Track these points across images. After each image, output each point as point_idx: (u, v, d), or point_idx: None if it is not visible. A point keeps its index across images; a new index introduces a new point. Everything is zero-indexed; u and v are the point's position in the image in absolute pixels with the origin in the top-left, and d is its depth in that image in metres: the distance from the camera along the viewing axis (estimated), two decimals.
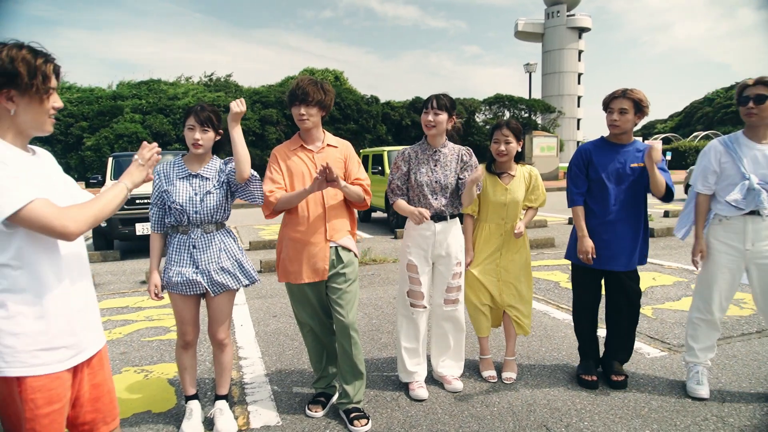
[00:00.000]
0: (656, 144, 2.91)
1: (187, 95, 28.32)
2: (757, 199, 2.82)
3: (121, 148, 23.02)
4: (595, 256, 3.15)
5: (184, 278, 2.62)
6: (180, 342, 2.78)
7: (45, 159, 1.68)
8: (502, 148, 3.21)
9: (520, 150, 3.27)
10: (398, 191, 3.15)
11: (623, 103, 3.02)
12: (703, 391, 3.04)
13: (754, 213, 2.87)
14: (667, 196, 3.03)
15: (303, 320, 2.96)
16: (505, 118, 3.80)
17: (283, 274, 2.89)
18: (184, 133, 2.67)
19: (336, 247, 2.83)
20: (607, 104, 3.09)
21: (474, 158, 3.20)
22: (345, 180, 2.87)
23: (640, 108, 3.03)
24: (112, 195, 1.65)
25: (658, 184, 2.98)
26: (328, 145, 2.89)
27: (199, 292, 2.68)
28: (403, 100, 30.57)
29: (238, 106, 2.59)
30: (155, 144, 1.79)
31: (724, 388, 3.15)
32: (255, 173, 2.72)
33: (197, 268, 2.64)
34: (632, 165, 3.09)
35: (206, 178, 2.69)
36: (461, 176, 3.14)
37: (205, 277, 2.65)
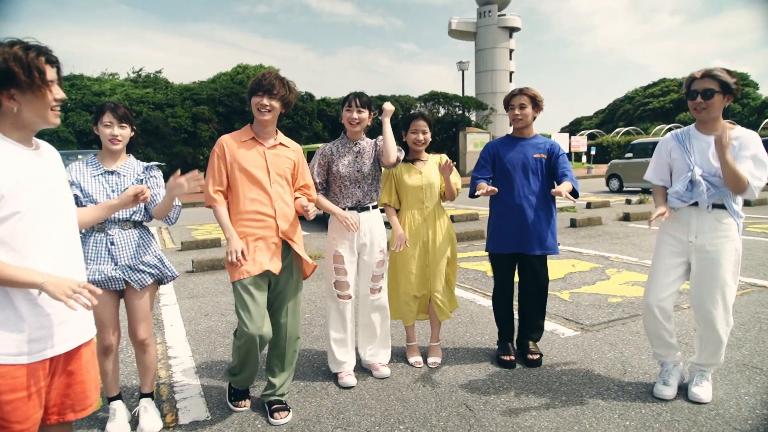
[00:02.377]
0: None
1: (115, 92, 27.05)
2: (697, 191, 2.75)
3: None
4: (489, 190, 3.17)
5: (104, 275, 2.58)
6: (99, 347, 2.67)
7: (47, 155, 1.71)
8: (420, 137, 3.40)
9: (429, 140, 3.47)
10: (319, 187, 3.24)
11: (522, 99, 3.31)
12: (668, 392, 2.90)
13: (698, 205, 2.81)
14: (572, 194, 3.16)
15: (248, 328, 2.66)
16: (418, 110, 3.91)
17: (235, 272, 2.71)
18: (97, 130, 2.65)
19: (285, 241, 2.82)
20: (508, 102, 3.37)
21: None
22: (293, 184, 2.89)
23: (536, 103, 3.36)
24: (18, 277, 1.50)
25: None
26: (280, 143, 2.89)
27: (118, 288, 2.65)
28: (339, 97, 30.57)
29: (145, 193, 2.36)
30: (98, 291, 1.63)
31: (626, 361, 3.46)
32: (180, 204, 2.75)
33: (116, 264, 2.62)
34: (534, 156, 3.36)
35: (123, 176, 2.68)
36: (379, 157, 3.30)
37: (125, 273, 2.63)
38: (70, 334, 1.71)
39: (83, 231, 2.64)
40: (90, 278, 2.56)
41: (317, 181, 3.22)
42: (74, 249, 1.74)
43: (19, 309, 1.57)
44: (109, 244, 2.61)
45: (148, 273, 2.70)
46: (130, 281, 2.65)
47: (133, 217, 2.69)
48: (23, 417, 1.59)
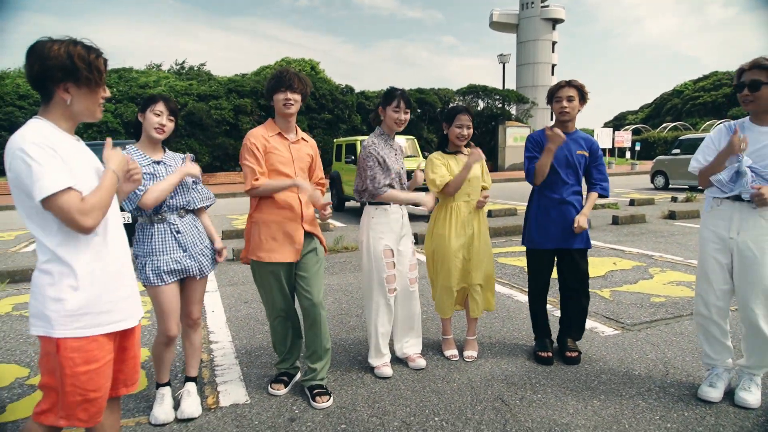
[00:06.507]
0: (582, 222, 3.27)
1: (159, 84, 27.88)
2: (741, 181, 2.65)
3: (91, 138, 22.56)
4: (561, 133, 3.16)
5: (180, 264, 2.67)
6: (162, 339, 2.72)
7: (84, 146, 1.86)
8: (465, 132, 3.38)
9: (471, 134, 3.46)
10: (385, 182, 3.20)
11: (569, 91, 3.24)
12: (713, 394, 2.82)
13: (742, 200, 2.69)
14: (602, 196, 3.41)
15: (271, 302, 3.04)
16: (462, 104, 3.94)
17: (255, 252, 2.90)
18: (143, 117, 2.65)
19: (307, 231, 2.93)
20: (554, 94, 3.30)
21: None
22: (309, 177, 3.06)
23: (582, 95, 3.29)
24: (109, 184, 1.74)
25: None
26: (302, 138, 3.03)
27: (193, 275, 2.74)
28: (378, 90, 30.59)
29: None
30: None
31: (669, 362, 3.36)
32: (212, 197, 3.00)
33: (185, 251, 2.70)
34: (578, 152, 3.30)
35: (169, 166, 2.74)
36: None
37: (196, 260, 2.74)
38: (131, 311, 1.85)
39: (140, 221, 2.70)
40: (165, 268, 2.63)
41: (384, 176, 3.19)
42: (121, 228, 1.89)
43: (92, 285, 1.70)
44: (175, 233, 2.69)
45: (213, 258, 2.88)
46: (201, 267, 2.76)
47: (187, 203, 2.77)
48: (97, 386, 1.73)
